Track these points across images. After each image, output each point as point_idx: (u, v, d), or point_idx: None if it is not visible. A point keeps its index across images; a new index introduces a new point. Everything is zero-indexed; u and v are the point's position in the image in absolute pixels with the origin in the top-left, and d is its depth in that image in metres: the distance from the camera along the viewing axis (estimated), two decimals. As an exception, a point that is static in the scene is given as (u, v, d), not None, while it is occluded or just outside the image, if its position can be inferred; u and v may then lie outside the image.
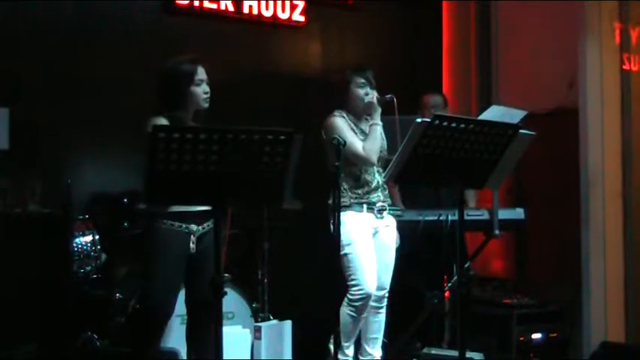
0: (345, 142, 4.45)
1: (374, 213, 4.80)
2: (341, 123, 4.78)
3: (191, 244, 4.22)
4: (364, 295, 4.68)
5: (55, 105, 5.50)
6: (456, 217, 4.20)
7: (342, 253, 4.70)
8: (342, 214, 4.68)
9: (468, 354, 4.39)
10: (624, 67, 6.19)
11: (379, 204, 4.82)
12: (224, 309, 3.50)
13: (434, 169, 3.76)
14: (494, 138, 3.78)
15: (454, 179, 3.86)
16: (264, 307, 5.45)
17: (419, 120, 3.62)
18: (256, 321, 5.28)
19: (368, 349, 4.88)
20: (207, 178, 3.26)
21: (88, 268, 5.06)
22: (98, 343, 5.00)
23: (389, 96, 4.78)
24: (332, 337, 4.71)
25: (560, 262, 6.23)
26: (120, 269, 5.28)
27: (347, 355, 4.76)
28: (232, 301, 5.15)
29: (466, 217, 4.15)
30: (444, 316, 5.66)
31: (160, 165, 3.20)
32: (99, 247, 5.09)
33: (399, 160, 3.70)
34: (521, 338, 5.64)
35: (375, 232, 4.84)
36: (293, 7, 6.43)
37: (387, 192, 4.91)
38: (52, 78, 5.49)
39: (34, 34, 5.46)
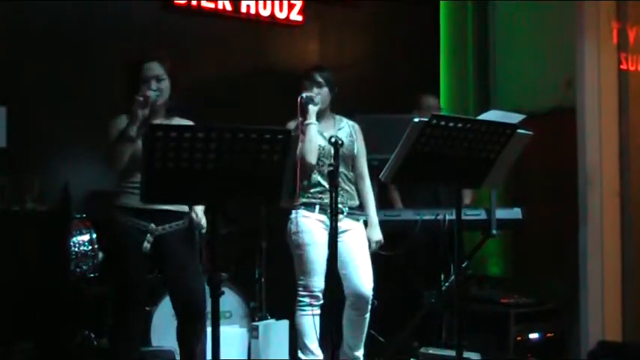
0: (342, 140, 4.44)
1: (326, 215, 4.65)
2: (290, 126, 4.73)
3: (145, 243, 4.19)
4: (310, 295, 4.68)
5: (53, 103, 5.50)
6: (453, 217, 4.21)
7: (293, 253, 4.73)
8: (294, 212, 4.70)
9: (466, 353, 4.40)
10: (622, 66, 6.19)
11: (341, 206, 4.66)
12: (221, 308, 3.50)
13: (431, 168, 3.75)
14: (492, 137, 3.78)
15: (452, 179, 3.86)
16: (261, 306, 5.45)
17: (416, 119, 3.62)
18: (253, 320, 5.29)
19: (349, 352, 4.86)
20: (204, 177, 3.26)
21: (85, 266, 5.06)
22: (95, 342, 5.00)
23: (303, 96, 4.70)
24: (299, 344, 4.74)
25: (558, 262, 6.23)
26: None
27: (313, 356, 4.74)
28: (230, 300, 5.15)
29: (464, 217, 4.15)
30: (441, 315, 5.66)
31: (157, 163, 3.20)
32: (96, 245, 5.09)
33: (396, 160, 3.69)
34: (519, 337, 5.64)
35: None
36: (291, 7, 6.43)
37: (349, 194, 4.81)
38: (50, 76, 5.49)
39: (32, 32, 5.46)
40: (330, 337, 4.24)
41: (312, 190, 4.74)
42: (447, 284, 5.42)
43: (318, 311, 4.72)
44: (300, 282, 4.73)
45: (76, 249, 5.05)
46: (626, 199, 6.17)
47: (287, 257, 4.91)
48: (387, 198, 5.84)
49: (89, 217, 5.17)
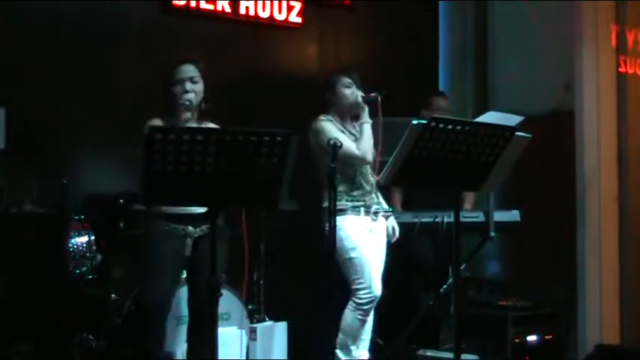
0: (341, 143, 4.45)
1: (370, 216, 4.83)
2: (329, 125, 4.81)
3: (187, 246, 4.22)
4: (373, 298, 4.72)
5: (53, 105, 5.49)
6: (451, 219, 4.21)
7: (346, 257, 4.73)
8: (340, 217, 4.70)
9: (464, 356, 4.40)
10: (620, 69, 6.20)
11: (374, 207, 4.86)
12: (219, 310, 3.50)
13: (430, 171, 3.76)
14: (491, 140, 3.78)
15: (450, 182, 3.86)
16: (259, 308, 5.44)
17: (415, 122, 3.62)
18: (251, 322, 5.28)
19: (355, 350, 4.86)
20: (203, 179, 3.26)
21: (84, 268, 5.06)
22: (94, 344, 4.99)
23: (373, 94, 4.78)
24: (338, 342, 4.73)
25: (556, 264, 6.23)
26: (116, 270, 5.26)
27: (353, 356, 4.77)
28: (228, 302, 5.14)
29: (462, 219, 4.15)
30: (439, 318, 5.66)
31: (156, 166, 3.20)
32: (94, 247, 5.08)
33: (395, 162, 3.70)
34: (517, 340, 5.63)
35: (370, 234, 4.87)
36: (290, 8, 6.43)
37: (379, 194, 4.94)
38: (50, 78, 5.48)
39: (32, 33, 5.46)
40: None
41: (354, 193, 4.81)
42: (445, 287, 5.42)
43: (372, 312, 4.81)
44: (361, 285, 4.72)
45: (75, 250, 5.04)
46: (625, 202, 6.17)
47: (285, 259, 4.91)
48: (388, 200, 5.83)
49: (87, 219, 5.16)
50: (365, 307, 4.72)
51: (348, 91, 4.86)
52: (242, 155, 3.26)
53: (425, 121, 3.61)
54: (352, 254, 4.72)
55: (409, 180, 3.87)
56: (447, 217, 5.32)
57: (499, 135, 3.80)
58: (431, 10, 7.28)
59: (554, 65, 6.34)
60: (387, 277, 4.91)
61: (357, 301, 4.72)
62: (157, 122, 4.22)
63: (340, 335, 4.76)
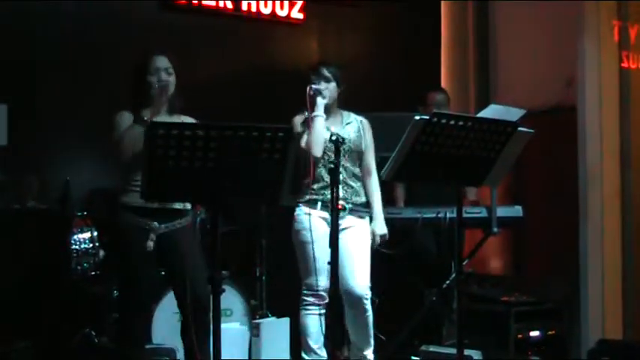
0: (343, 138, 4.44)
1: (328, 211, 4.55)
2: (296, 122, 4.75)
3: (149, 242, 4.19)
4: (314, 294, 4.65)
5: (54, 101, 5.50)
6: (454, 215, 4.20)
7: (298, 251, 4.71)
8: (297, 209, 4.69)
9: (466, 351, 4.40)
10: (623, 65, 6.19)
11: (340, 202, 4.58)
12: (222, 306, 3.50)
13: (432, 166, 3.75)
14: (493, 135, 3.78)
15: (452, 177, 3.86)
16: (262, 304, 5.45)
17: (417, 117, 3.62)
18: (254, 318, 5.29)
19: (357, 352, 4.85)
20: (205, 175, 3.26)
21: (86, 264, 5.07)
22: (96, 340, 5.00)
23: (312, 87, 4.70)
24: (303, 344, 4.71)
25: (559, 260, 6.23)
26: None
27: (318, 356, 4.71)
28: (230, 298, 5.16)
29: (464, 215, 4.14)
30: (442, 313, 5.67)
31: (158, 161, 3.20)
32: (97, 243, 5.09)
33: (397, 158, 3.69)
34: (520, 335, 5.63)
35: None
36: (292, 5, 6.44)
37: (354, 190, 4.78)
38: (51, 74, 5.49)
39: (33, 30, 5.46)
40: (330, 337, 4.25)
41: (314, 186, 4.70)
42: (447, 282, 5.42)
43: (322, 311, 4.69)
44: (305, 281, 4.70)
45: (77, 247, 5.05)
46: (627, 198, 6.17)
47: (287, 255, 4.90)
48: (391, 195, 5.82)
49: (90, 215, 5.17)
50: (305, 304, 4.68)
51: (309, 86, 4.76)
52: (243, 151, 3.26)
53: (427, 117, 3.61)
54: (303, 249, 4.68)
55: (411, 175, 3.86)
56: (450, 213, 5.32)
57: (501, 130, 3.79)
58: (432, 5, 7.28)
59: (556, 61, 6.34)
60: (389, 273, 4.90)
61: (302, 297, 4.71)
62: (126, 115, 4.24)
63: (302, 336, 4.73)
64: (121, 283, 4.48)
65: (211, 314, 3.41)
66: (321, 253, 4.55)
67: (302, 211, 4.70)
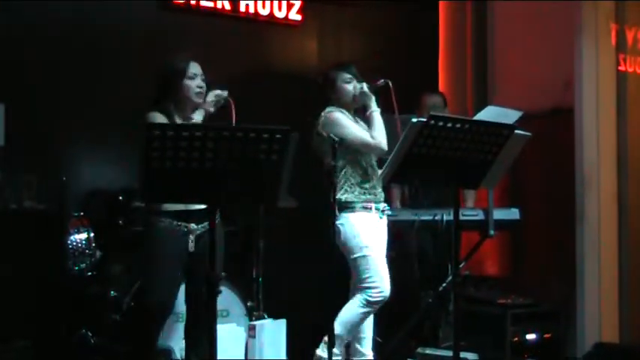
0: (340, 139, 4.44)
1: (379, 213, 4.79)
2: (341, 116, 4.77)
3: (190, 243, 4.23)
4: (383, 298, 4.69)
5: (52, 101, 5.50)
6: (451, 217, 4.21)
7: (358, 255, 4.70)
8: (351, 214, 4.69)
9: (463, 354, 4.40)
10: (620, 67, 6.20)
11: (382, 204, 4.82)
12: (218, 307, 3.50)
13: (429, 168, 3.76)
14: (490, 138, 3.78)
15: (449, 179, 3.86)
16: (258, 305, 5.45)
17: (414, 120, 3.62)
18: (251, 319, 5.29)
19: (361, 349, 4.87)
20: (202, 176, 3.26)
21: (83, 265, 5.06)
22: (93, 340, 4.99)
23: (381, 81, 4.77)
24: (324, 341, 4.70)
25: (555, 263, 6.23)
26: (115, 267, 5.26)
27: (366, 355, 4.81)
28: (227, 299, 5.15)
29: (461, 217, 4.15)
30: (438, 315, 5.67)
31: (155, 162, 3.20)
32: (94, 244, 5.09)
33: (394, 160, 3.70)
34: (516, 338, 5.64)
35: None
36: (290, 6, 6.44)
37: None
38: (49, 74, 5.49)
39: (31, 30, 5.46)
40: (330, 336, 4.26)
41: (366, 185, 4.77)
42: (444, 284, 5.42)
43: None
44: (374, 283, 4.68)
45: (74, 247, 5.05)
46: (624, 200, 6.17)
47: (285, 256, 4.91)
48: (387, 196, 5.82)
49: (87, 216, 5.16)
50: (375, 306, 4.71)
51: (349, 87, 4.82)
52: (241, 152, 3.26)
53: (424, 120, 3.62)
54: (365, 252, 4.68)
55: (408, 177, 3.87)
56: (447, 215, 5.32)
57: (498, 133, 3.80)
58: (431, 7, 7.28)
59: (553, 63, 6.34)
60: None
61: (369, 299, 4.68)
62: (158, 116, 4.24)
63: (339, 328, 4.67)
64: (148, 286, 4.46)
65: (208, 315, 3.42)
66: (382, 257, 4.72)
67: (355, 215, 4.72)
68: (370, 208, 4.75)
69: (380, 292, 4.68)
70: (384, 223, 4.87)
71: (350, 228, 4.68)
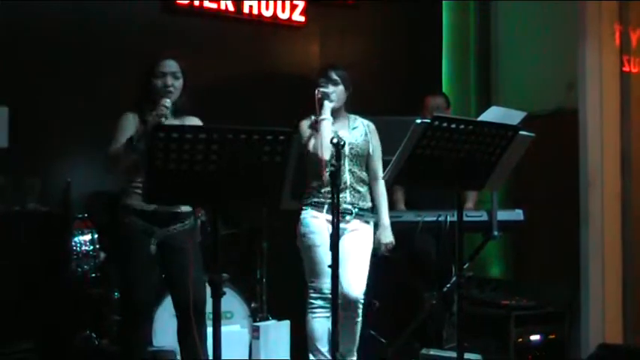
0: (344, 141, 4.44)
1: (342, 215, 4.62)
2: (303, 125, 4.79)
3: (152, 245, 4.19)
4: (322, 297, 4.65)
5: (55, 103, 5.51)
6: (454, 218, 4.20)
7: (304, 253, 4.71)
8: (303, 212, 4.70)
9: (466, 355, 4.39)
10: (624, 69, 6.19)
11: (344, 206, 4.67)
12: (222, 308, 3.50)
13: (433, 170, 3.75)
14: (494, 139, 3.77)
15: (453, 181, 3.86)
16: (262, 306, 5.45)
17: (418, 121, 3.62)
18: (254, 321, 5.29)
19: (341, 356, 4.83)
20: (206, 178, 3.26)
21: (87, 266, 5.07)
22: (96, 342, 5.00)
23: (320, 90, 4.71)
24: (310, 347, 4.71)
25: (559, 264, 6.23)
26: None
27: (328, 358, 4.68)
28: (231, 300, 5.15)
29: (465, 219, 4.14)
30: (442, 317, 5.66)
31: (159, 164, 3.20)
32: (97, 245, 5.09)
33: (398, 161, 3.69)
34: (520, 340, 5.64)
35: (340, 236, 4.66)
36: (293, 7, 6.44)
37: (361, 195, 4.79)
38: (52, 76, 5.49)
39: (33, 32, 5.46)
40: (332, 339, 4.24)
41: (322, 190, 4.72)
42: (447, 286, 5.42)
43: (329, 314, 4.63)
44: (311, 284, 4.70)
45: (78, 249, 5.05)
46: (628, 201, 6.16)
47: (288, 258, 4.90)
48: (390, 198, 5.82)
49: (90, 218, 5.17)
50: (312, 307, 4.68)
51: (317, 90, 4.76)
52: (244, 154, 3.26)
53: (428, 121, 3.61)
54: (309, 252, 4.69)
55: (412, 179, 3.86)
56: (450, 216, 5.32)
57: (502, 134, 3.79)
58: (434, 9, 7.28)
59: (557, 64, 6.34)
60: (389, 276, 4.90)
61: (309, 300, 4.71)
62: (130, 117, 4.26)
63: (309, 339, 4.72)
64: (122, 285, 4.47)
65: (212, 317, 3.41)
66: (328, 256, 4.43)
67: (309, 215, 4.71)
68: (322, 208, 4.69)
69: (313, 293, 4.69)
70: (360, 228, 4.77)
71: (299, 226, 4.74)
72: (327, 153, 4.59)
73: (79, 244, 5.07)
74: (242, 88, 6.14)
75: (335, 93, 4.75)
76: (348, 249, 4.67)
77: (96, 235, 5.10)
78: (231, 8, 6.19)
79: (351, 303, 4.66)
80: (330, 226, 4.56)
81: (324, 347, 4.69)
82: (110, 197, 5.26)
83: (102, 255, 5.12)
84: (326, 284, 4.61)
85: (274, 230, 5.48)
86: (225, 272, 4.93)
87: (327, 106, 4.70)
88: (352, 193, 4.74)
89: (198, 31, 6.05)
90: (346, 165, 4.73)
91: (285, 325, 5.35)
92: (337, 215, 4.13)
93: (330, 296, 4.56)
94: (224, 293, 3.44)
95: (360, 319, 4.75)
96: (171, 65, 4.31)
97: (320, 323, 4.68)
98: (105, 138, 4.37)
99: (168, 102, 4.18)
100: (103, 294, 5.12)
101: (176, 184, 3.26)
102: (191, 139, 3.18)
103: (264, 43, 6.41)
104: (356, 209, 4.75)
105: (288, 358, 5.29)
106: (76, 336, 5.00)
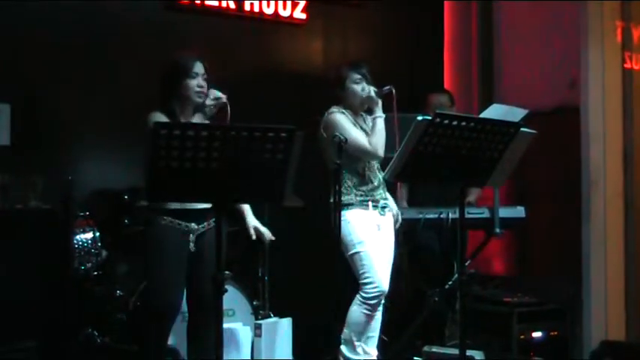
0: (346, 139, 4.43)
1: (378, 210, 4.78)
2: (342, 119, 4.75)
3: (190, 243, 4.22)
4: (380, 293, 4.68)
5: (57, 101, 5.51)
6: (456, 215, 4.21)
7: (353, 251, 4.69)
8: (347, 211, 4.68)
9: (469, 352, 4.40)
10: (626, 65, 6.19)
11: (382, 201, 4.81)
12: (225, 306, 3.50)
13: (435, 167, 3.75)
14: (496, 136, 3.78)
15: (455, 177, 3.86)
16: (264, 304, 5.45)
17: (420, 118, 3.62)
18: (257, 318, 5.29)
19: (366, 347, 4.85)
20: (208, 175, 3.26)
21: (89, 264, 5.07)
22: (99, 340, 5.00)
23: (387, 88, 4.73)
24: (342, 338, 4.71)
25: (561, 261, 6.22)
26: (120, 266, 5.27)
27: (359, 354, 4.74)
28: (233, 298, 5.15)
29: (467, 216, 4.14)
30: (444, 314, 5.66)
31: (161, 161, 3.20)
32: (99, 243, 5.09)
33: (400, 158, 3.69)
34: (522, 336, 5.63)
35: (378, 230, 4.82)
36: (294, 5, 6.43)
37: (386, 189, 4.89)
38: (54, 74, 5.49)
39: (36, 30, 5.46)
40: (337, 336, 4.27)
41: (363, 188, 4.76)
42: (450, 283, 5.42)
43: (380, 309, 4.77)
44: (368, 279, 4.68)
45: (80, 247, 5.05)
46: (630, 199, 6.16)
47: (290, 255, 4.91)
48: (394, 195, 5.82)
49: (92, 216, 5.17)
50: (371, 302, 4.68)
51: (357, 87, 4.78)
52: (246, 151, 3.26)
53: (430, 117, 3.61)
54: (359, 248, 4.68)
55: (414, 175, 3.86)
56: (452, 214, 5.32)
57: (504, 131, 3.79)
58: (436, 6, 7.27)
59: (559, 62, 6.33)
60: (392, 273, 4.90)
61: (364, 295, 4.69)
62: (160, 116, 4.22)
63: (345, 330, 4.72)
64: (152, 285, 4.44)
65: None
66: (379, 253, 4.69)
67: (352, 212, 4.72)
68: (367, 206, 4.75)
69: (374, 287, 4.66)
70: (387, 220, 4.86)
71: (345, 225, 4.67)
72: (382, 151, 4.71)
73: (80, 243, 5.07)
74: (244, 86, 6.12)
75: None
76: (387, 243, 4.83)
77: (98, 233, 5.10)
78: (232, 6, 6.19)
79: (382, 296, 4.73)
80: (376, 223, 4.74)
81: (358, 341, 4.75)
82: (112, 195, 5.28)
83: (104, 253, 5.11)
84: (385, 280, 4.70)
85: (277, 227, 5.48)
86: (228, 270, 4.95)
87: (379, 103, 4.75)
88: (384, 188, 4.86)
89: (199, 29, 6.04)
90: (374, 164, 4.81)
91: (288, 322, 5.34)
92: (339, 211, 4.15)
93: (380, 292, 4.67)
94: (226, 291, 3.44)
95: (381, 312, 4.83)
96: (201, 67, 4.33)
97: (373, 319, 4.75)
98: (107, 136, 4.37)
99: (218, 93, 4.27)
100: (105, 292, 5.12)
101: (178, 181, 3.26)
102: (193, 137, 3.19)
103: (265, 40, 6.41)
104: (387, 204, 4.86)
105: (291, 356, 5.29)
106: (78, 334, 4.99)
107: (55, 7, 5.53)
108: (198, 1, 6.05)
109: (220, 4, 6.14)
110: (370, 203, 4.75)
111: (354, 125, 4.78)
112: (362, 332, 4.73)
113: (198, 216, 4.24)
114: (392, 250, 4.88)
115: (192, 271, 4.31)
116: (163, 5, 5.96)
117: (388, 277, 4.74)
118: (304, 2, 6.46)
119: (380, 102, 4.74)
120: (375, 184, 4.81)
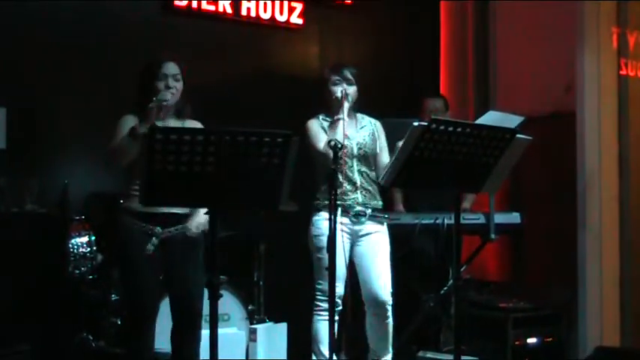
0: (342, 144, 4.43)
1: (349, 217, 4.67)
2: (313, 125, 4.75)
3: (149, 245, 4.16)
4: (327, 301, 4.54)
5: (53, 104, 5.50)
6: (452, 221, 4.21)
7: (315, 256, 4.67)
8: (315, 216, 4.68)
9: (464, 357, 4.39)
10: (621, 72, 6.21)
11: (357, 208, 4.69)
12: (220, 311, 3.49)
13: (430, 172, 3.75)
14: (492, 142, 3.77)
15: (451, 183, 3.86)
16: (259, 309, 5.45)
17: (416, 123, 3.62)
18: (252, 323, 5.29)
19: (378, 357, 4.83)
20: (204, 180, 3.26)
21: (84, 268, 5.06)
22: (94, 344, 5.00)
23: (340, 90, 4.67)
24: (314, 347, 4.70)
25: (557, 266, 6.23)
26: (116, 270, 5.26)
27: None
28: (228, 302, 5.15)
29: (462, 221, 4.14)
30: (439, 319, 5.67)
31: (157, 166, 3.20)
32: (95, 247, 5.08)
33: (395, 164, 3.70)
34: (517, 342, 5.63)
35: (356, 239, 4.73)
36: (291, 10, 6.44)
37: (372, 194, 4.75)
38: (50, 78, 5.49)
39: (32, 33, 5.46)
40: (330, 341, 4.24)
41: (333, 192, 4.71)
42: (445, 288, 5.42)
43: (335, 317, 4.59)
44: (319, 286, 4.67)
45: (75, 251, 5.04)
46: (625, 204, 6.18)
47: (286, 260, 4.90)
48: (389, 198, 5.82)
49: (88, 219, 5.16)
50: (319, 309, 4.66)
51: (335, 89, 4.72)
52: (242, 156, 3.26)
53: (425, 123, 3.61)
54: (318, 254, 4.64)
55: (409, 181, 3.86)
56: (448, 219, 5.33)
57: (500, 137, 3.79)
58: (432, 11, 7.28)
59: (555, 67, 6.34)
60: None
61: (315, 302, 4.69)
62: (130, 119, 4.22)
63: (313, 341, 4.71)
64: (123, 287, 4.46)
65: (209, 319, 3.41)
66: (338, 260, 4.39)
67: (321, 217, 4.68)
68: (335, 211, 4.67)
69: (321, 296, 4.64)
70: (370, 229, 4.74)
71: (310, 229, 4.70)
72: (322, 144, 4.58)
73: (76, 246, 5.06)
74: (240, 90, 6.14)
75: (351, 93, 4.73)
76: (370, 253, 4.72)
77: (93, 237, 5.09)
78: (229, 10, 6.19)
79: (381, 305, 4.69)
80: (344, 229, 4.62)
81: (326, 349, 4.65)
82: (108, 199, 5.27)
83: (99, 257, 5.11)
84: (335, 288, 4.54)
85: (272, 232, 5.48)
86: (223, 274, 4.95)
87: (346, 106, 4.64)
88: (363, 193, 4.71)
89: (196, 33, 6.04)
90: (355, 166, 4.72)
91: (283, 327, 5.35)
92: (335, 215, 4.14)
93: (338, 300, 4.56)
94: (221, 295, 3.44)
95: (390, 319, 4.76)
96: (172, 67, 4.30)
97: (325, 325, 4.61)
98: (103, 139, 4.36)
99: (169, 95, 4.20)
100: (101, 296, 5.11)
101: (174, 186, 3.26)
102: (189, 141, 3.19)
103: (262, 45, 6.41)
104: (369, 209, 4.71)
105: (286, 360, 5.30)
106: (73, 338, 4.99)
107: (55, 8, 5.53)
108: (195, 5, 6.05)
109: (217, 7, 6.14)
110: (339, 209, 4.49)
111: (322, 129, 4.73)
112: (320, 341, 4.67)
113: (165, 219, 4.20)
114: (375, 262, 4.72)
115: (167, 276, 4.30)
116: (160, 8, 5.96)
117: (342, 285, 4.61)
118: (301, 7, 6.46)
119: (346, 104, 4.64)
120: (349, 188, 4.69)
